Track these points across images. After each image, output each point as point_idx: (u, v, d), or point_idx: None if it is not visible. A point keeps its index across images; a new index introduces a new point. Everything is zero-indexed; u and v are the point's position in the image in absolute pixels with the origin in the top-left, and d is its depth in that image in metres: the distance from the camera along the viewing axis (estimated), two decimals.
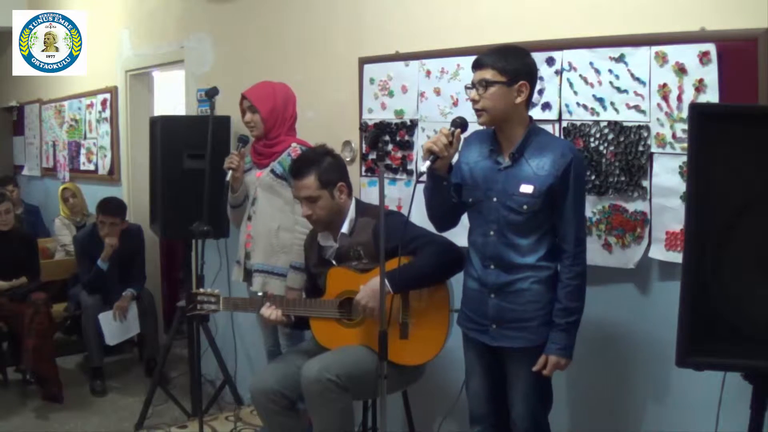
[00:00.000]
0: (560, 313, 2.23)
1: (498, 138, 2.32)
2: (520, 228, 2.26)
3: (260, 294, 2.80)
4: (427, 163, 2.24)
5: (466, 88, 2.31)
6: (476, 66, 2.26)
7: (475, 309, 2.37)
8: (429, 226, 2.55)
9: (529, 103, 2.29)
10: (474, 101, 2.25)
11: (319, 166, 2.68)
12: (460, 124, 2.30)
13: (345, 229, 2.71)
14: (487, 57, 2.23)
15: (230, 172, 3.19)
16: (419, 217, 2.40)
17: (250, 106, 3.18)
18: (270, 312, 2.69)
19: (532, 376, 2.27)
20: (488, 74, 2.21)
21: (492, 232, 2.29)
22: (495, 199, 2.28)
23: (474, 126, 2.38)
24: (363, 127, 3.32)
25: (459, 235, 2.60)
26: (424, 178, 2.33)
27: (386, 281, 2.43)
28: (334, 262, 2.71)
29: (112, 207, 4.58)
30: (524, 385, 2.30)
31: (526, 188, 2.22)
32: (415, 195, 2.28)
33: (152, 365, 4.58)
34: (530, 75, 2.25)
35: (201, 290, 2.86)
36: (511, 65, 2.20)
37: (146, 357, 4.77)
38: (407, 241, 2.46)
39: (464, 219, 2.47)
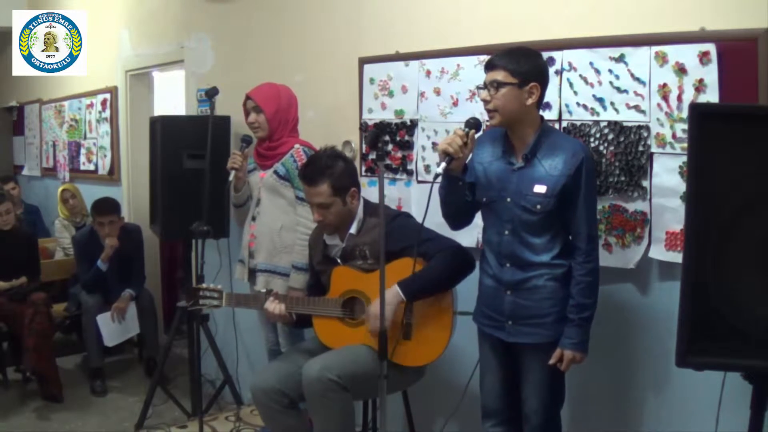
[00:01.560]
0: (574, 310, 2.24)
1: (510, 139, 2.33)
2: (535, 227, 2.27)
3: (264, 291, 2.80)
4: (443, 164, 2.25)
5: (478, 88, 2.33)
6: (488, 67, 2.28)
7: (491, 305, 2.38)
8: (440, 226, 2.55)
9: (540, 104, 2.31)
10: (485, 102, 2.27)
11: (333, 173, 2.64)
12: (474, 124, 2.31)
13: (353, 229, 2.71)
14: (499, 58, 2.25)
15: (233, 172, 3.19)
16: (431, 217, 2.38)
17: (255, 107, 3.18)
18: (274, 306, 2.69)
19: (546, 371, 2.28)
20: (500, 75, 2.22)
21: (507, 232, 2.31)
22: (509, 200, 2.29)
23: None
24: (363, 127, 3.32)
25: (464, 234, 2.61)
26: (439, 179, 2.33)
27: (399, 291, 2.47)
28: (339, 261, 2.71)
29: (108, 205, 4.59)
30: (538, 380, 2.32)
31: (540, 188, 2.24)
32: (427, 197, 2.25)
33: (152, 365, 4.58)
34: (541, 76, 2.26)
35: (203, 285, 2.86)
36: (523, 67, 2.22)
37: (146, 357, 4.77)
38: (420, 242, 2.46)
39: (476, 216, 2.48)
